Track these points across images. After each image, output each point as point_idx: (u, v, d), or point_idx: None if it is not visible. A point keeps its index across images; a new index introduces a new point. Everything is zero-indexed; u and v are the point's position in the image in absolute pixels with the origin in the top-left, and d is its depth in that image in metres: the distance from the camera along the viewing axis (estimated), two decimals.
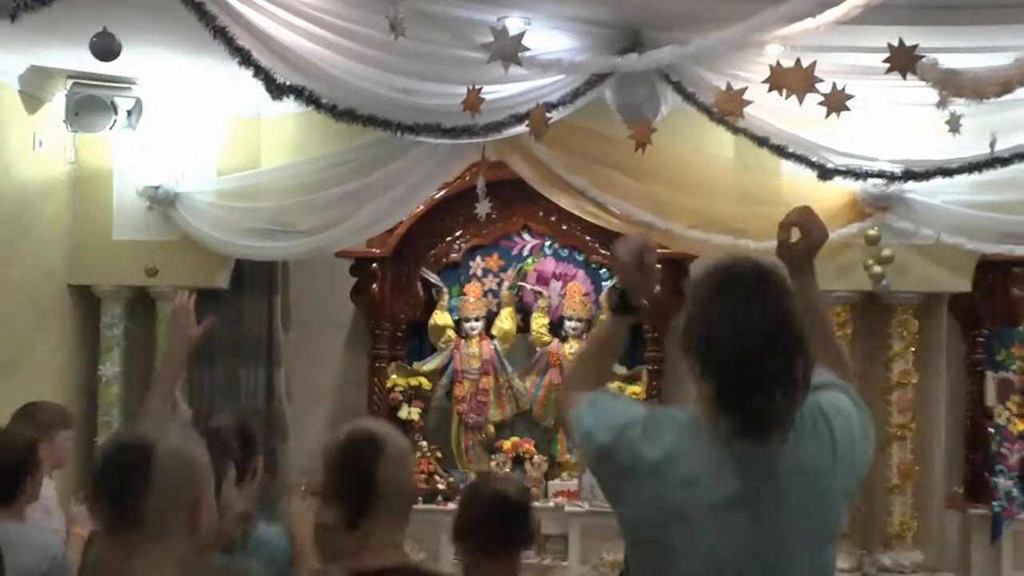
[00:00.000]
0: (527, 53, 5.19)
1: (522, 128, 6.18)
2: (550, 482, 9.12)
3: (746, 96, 5.50)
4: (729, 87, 4.96)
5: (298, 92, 5.55)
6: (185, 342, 4.01)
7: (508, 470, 9.10)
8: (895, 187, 7.22)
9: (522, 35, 5.14)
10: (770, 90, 4.94)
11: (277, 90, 5.47)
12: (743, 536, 2.58)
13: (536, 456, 9.19)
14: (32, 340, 7.80)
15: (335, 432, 3.06)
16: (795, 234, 2.99)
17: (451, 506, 8.37)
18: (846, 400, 2.78)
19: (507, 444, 9.28)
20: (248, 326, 8.48)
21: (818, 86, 5.03)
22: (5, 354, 7.29)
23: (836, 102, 4.85)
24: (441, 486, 8.88)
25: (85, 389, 8.28)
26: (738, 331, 2.56)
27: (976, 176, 6.86)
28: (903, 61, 4.64)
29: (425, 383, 9.30)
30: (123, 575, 2.17)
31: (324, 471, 2.90)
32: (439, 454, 9.19)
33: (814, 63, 4.81)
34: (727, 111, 4.94)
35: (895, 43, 4.86)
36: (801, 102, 4.83)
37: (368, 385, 9.21)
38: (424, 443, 9.05)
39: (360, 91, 5.71)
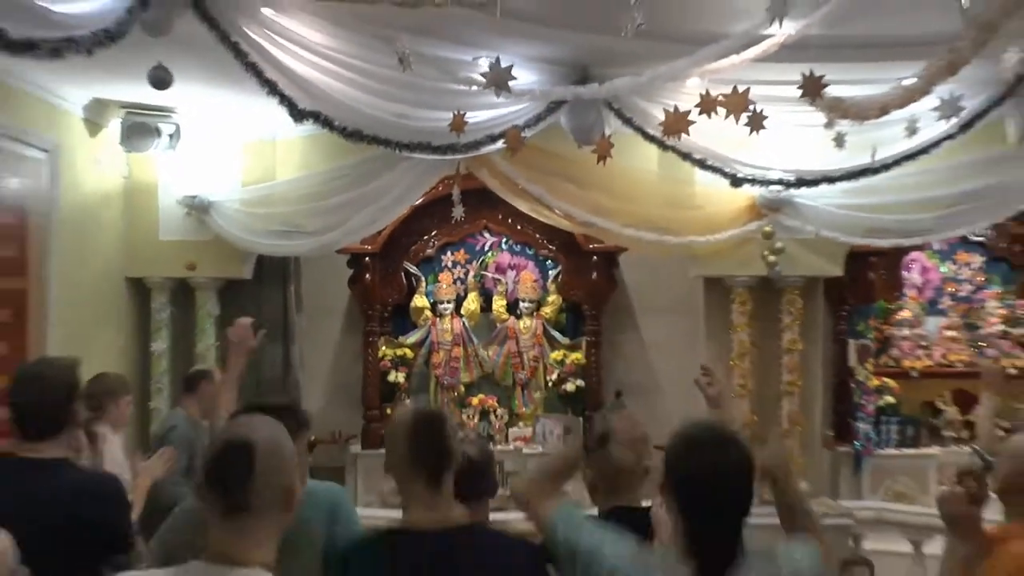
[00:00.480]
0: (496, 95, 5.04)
1: (496, 146, 6.04)
2: (510, 430, 9.18)
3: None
4: (676, 109, 4.76)
5: (315, 116, 5.35)
6: (245, 353, 3.94)
7: (476, 422, 9.06)
8: (787, 192, 7.12)
9: (511, 67, 4.99)
10: (701, 112, 4.75)
11: (298, 115, 5.26)
12: None
13: (499, 409, 9.25)
14: (96, 324, 7.66)
15: (411, 406, 2.95)
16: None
17: None
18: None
19: (475, 400, 9.38)
20: (267, 310, 8.35)
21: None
22: (76, 336, 7.10)
23: (756, 122, 4.68)
24: None
25: (140, 363, 8.14)
26: (709, 481, 2.45)
27: (848, 184, 6.78)
28: (813, 88, 4.48)
29: (409, 353, 9.36)
30: (235, 552, 2.08)
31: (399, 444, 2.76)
32: None
33: (748, 89, 4.64)
34: (674, 130, 4.76)
35: (796, 76, 4.75)
36: (737, 121, 4.66)
37: (363, 356, 9.23)
38: (408, 400, 8.86)
39: (365, 115, 5.53)
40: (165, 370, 8.01)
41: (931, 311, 9.98)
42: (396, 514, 2.79)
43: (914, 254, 9.66)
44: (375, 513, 6.59)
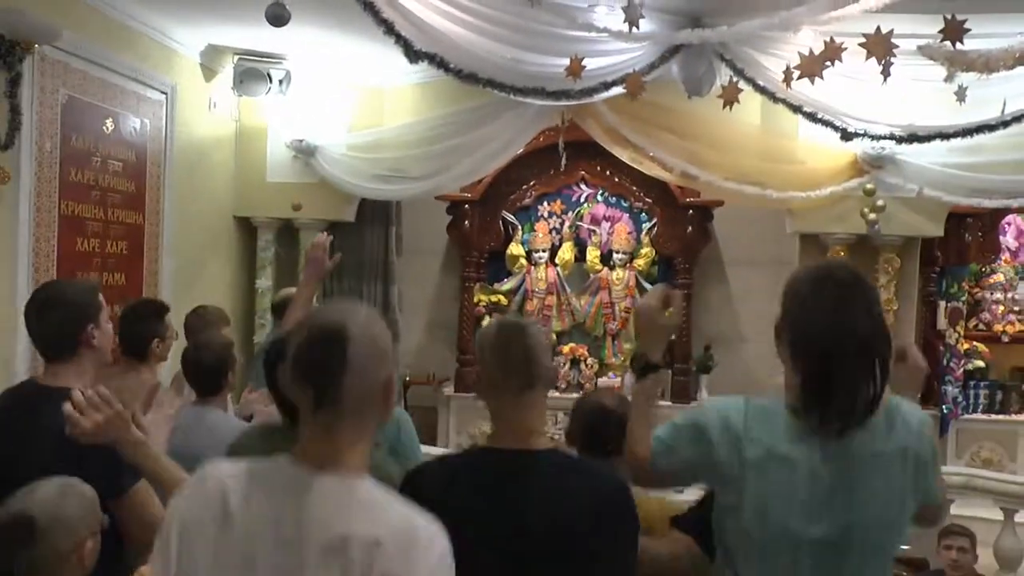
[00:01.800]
0: (626, 29, 4.72)
1: (609, 94, 5.78)
2: (599, 379, 8.90)
3: (787, 70, 5.08)
4: (811, 52, 4.43)
5: (431, 57, 5.09)
6: (319, 270, 3.64)
7: (567, 370, 8.86)
8: (890, 149, 6.75)
9: (643, 3, 4.68)
10: (828, 60, 4.42)
11: (414, 55, 5.00)
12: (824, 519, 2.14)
13: (589, 359, 9.00)
14: (207, 259, 7.65)
15: (496, 320, 2.56)
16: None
17: None
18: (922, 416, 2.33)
19: (566, 349, 9.10)
20: (368, 251, 8.28)
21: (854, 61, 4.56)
22: (187, 269, 7.12)
23: (887, 71, 4.33)
24: None
25: (245, 297, 8.13)
26: (832, 329, 2.11)
27: (956, 142, 6.39)
28: (954, 33, 4.11)
29: (503, 300, 9.12)
30: (325, 453, 1.73)
31: (484, 359, 2.35)
32: None
33: (891, 31, 4.28)
34: (808, 72, 4.42)
35: (909, 28, 4.43)
36: (881, 62, 4.29)
37: (460, 301, 9.07)
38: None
39: (481, 58, 5.28)
40: (268, 307, 7.87)
41: None
42: None
43: (1010, 216, 9.15)
44: None
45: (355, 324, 1.76)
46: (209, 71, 7.46)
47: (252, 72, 7.43)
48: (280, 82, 7.53)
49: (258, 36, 6.90)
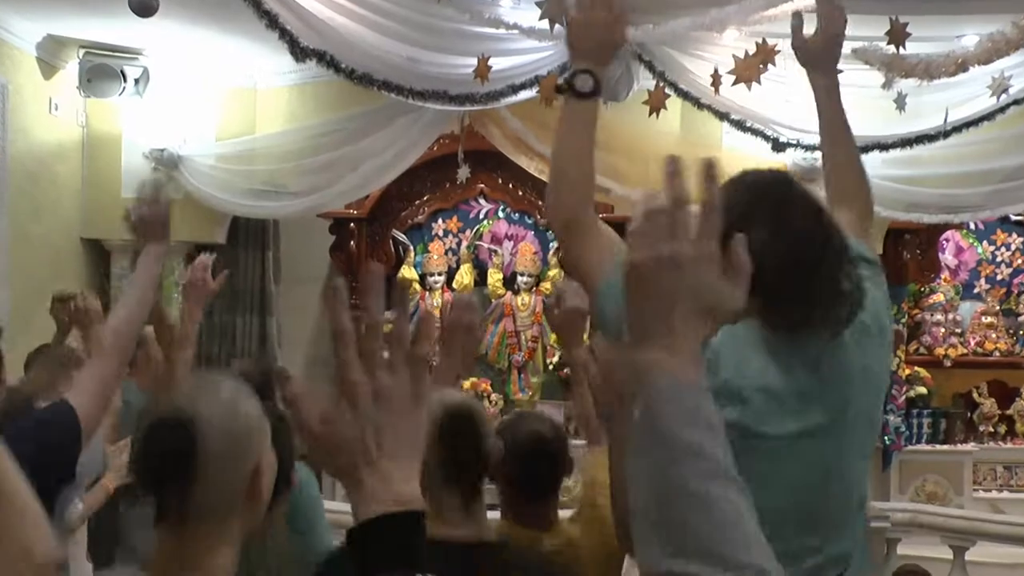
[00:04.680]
0: (537, 26, 4.83)
1: (517, 98, 5.88)
2: (504, 418, 8.78)
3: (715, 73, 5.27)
4: (747, 54, 4.59)
5: (320, 56, 5.14)
6: (201, 297, 3.57)
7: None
8: (822, 161, 7.00)
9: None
10: (762, 63, 4.59)
11: (301, 53, 5.04)
12: (815, 450, 2.09)
13: (492, 395, 9.07)
14: (49, 289, 7.28)
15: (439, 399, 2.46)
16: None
17: None
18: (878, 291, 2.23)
19: (467, 384, 8.94)
20: (243, 279, 8.20)
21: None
22: (25, 301, 6.91)
23: None
24: None
25: None
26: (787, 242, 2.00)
27: (891, 153, 6.66)
28: (898, 36, 4.31)
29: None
30: (178, 565, 1.65)
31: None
32: None
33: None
34: (744, 77, 4.57)
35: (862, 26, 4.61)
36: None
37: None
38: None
39: (376, 57, 5.34)
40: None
41: (966, 295, 9.85)
42: None
43: (948, 232, 9.54)
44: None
45: (208, 413, 1.64)
46: (49, 67, 7.32)
47: (102, 69, 7.29)
48: (136, 81, 7.42)
49: (109, 27, 6.80)
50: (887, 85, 5.62)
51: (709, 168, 1.30)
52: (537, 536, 2.80)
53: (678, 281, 1.20)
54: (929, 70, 5.14)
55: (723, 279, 1.22)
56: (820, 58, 2.54)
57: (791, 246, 2.00)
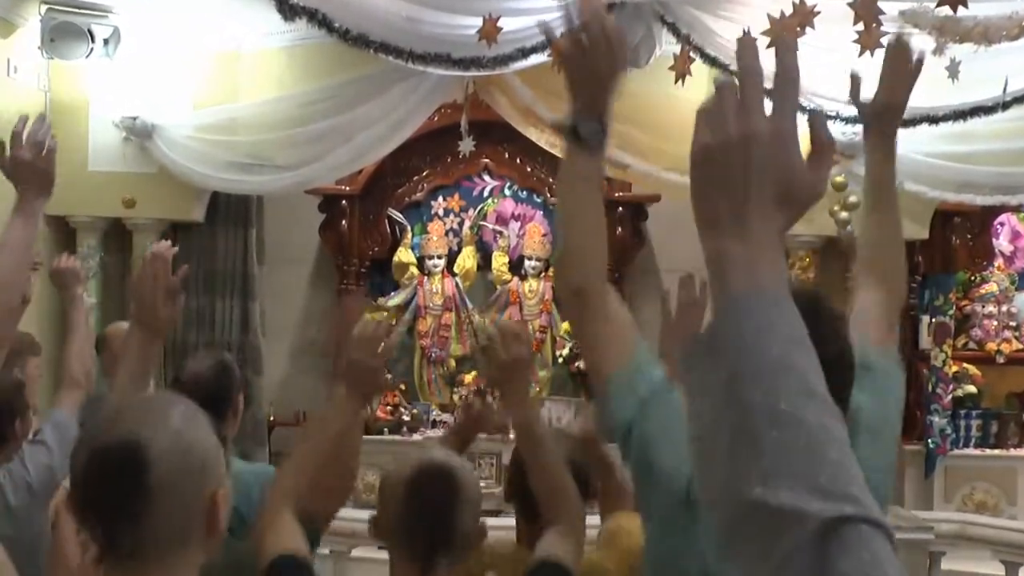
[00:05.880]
0: None
1: (527, 62, 5.72)
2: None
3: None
4: (782, 14, 4.39)
5: (311, 15, 4.96)
6: (74, 282, 3.49)
7: (469, 400, 8.75)
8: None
9: None
10: (799, 25, 4.41)
11: (289, 11, 4.86)
12: None
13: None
14: None
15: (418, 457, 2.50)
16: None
17: (416, 437, 8.43)
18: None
19: (468, 378, 9.11)
20: (223, 260, 8.06)
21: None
22: None
23: (873, 39, 4.33)
24: (406, 418, 8.70)
25: (62, 318, 7.68)
26: None
27: (943, 127, 6.49)
28: None
29: (390, 318, 8.92)
30: None
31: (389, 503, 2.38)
32: (403, 387, 8.99)
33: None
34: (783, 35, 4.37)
35: None
36: (868, 28, 4.30)
37: (336, 319, 9.00)
38: (388, 375, 8.59)
39: (373, 17, 5.17)
40: (93, 328, 7.58)
41: (1022, 285, 9.67)
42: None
43: (1003, 216, 9.37)
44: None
45: (158, 438, 1.60)
46: (6, 24, 7.18)
47: (66, 28, 7.14)
48: (105, 42, 7.26)
49: None
50: (938, 51, 5.46)
51: (784, 40, 1.23)
52: None
53: (751, 164, 1.15)
54: (987, 34, 4.97)
55: (802, 161, 1.18)
56: (884, 117, 2.46)
57: None
